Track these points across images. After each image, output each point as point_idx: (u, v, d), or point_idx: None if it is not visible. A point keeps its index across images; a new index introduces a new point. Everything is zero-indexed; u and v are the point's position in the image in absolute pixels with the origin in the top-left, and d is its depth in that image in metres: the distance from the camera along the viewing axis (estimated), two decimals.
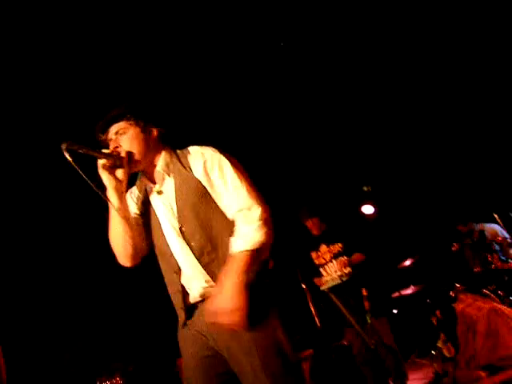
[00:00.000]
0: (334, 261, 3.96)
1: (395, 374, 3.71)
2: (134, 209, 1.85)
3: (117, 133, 1.76)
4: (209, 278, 1.65)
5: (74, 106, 4.43)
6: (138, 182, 1.88)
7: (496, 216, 4.87)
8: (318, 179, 6.42)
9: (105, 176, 1.69)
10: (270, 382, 1.52)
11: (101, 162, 1.68)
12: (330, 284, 3.67)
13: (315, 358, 4.26)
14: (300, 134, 6.06)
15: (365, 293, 3.76)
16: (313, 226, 4.26)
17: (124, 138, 1.75)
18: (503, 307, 4.10)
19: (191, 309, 1.71)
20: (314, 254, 4.19)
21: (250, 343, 1.56)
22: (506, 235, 5.06)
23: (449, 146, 6.53)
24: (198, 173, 1.71)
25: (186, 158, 1.76)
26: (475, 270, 4.93)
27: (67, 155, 1.55)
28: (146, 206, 1.83)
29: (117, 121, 1.78)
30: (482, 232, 5.39)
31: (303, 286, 4.21)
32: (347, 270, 3.73)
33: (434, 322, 4.76)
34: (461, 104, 6.10)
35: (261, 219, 1.60)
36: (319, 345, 4.32)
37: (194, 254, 1.66)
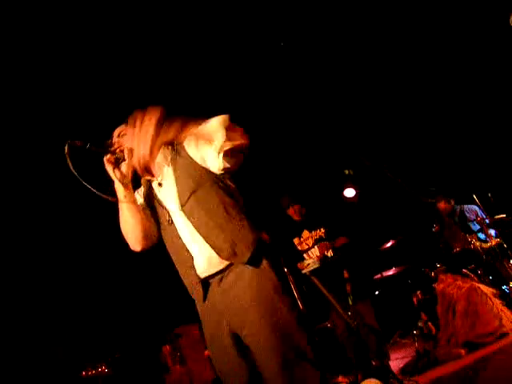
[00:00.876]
0: (316, 246, 3.96)
1: (377, 353, 3.76)
2: (140, 200, 2.05)
3: (119, 135, 2.00)
4: (211, 251, 1.80)
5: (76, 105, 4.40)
6: (142, 179, 2.06)
7: (475, 197, 4.92)
8: (299, 164, 6.41)
9: (110, 169, 1.90)
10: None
11: (106, 157, 1.90)
12: (312, 267, 3.66)
13: None
14: (281, 119, 6.02)
15: (346, 275, 3.78)
16: (294, 212, 4.25)
17: (125, 138, 1.97)
18: (482, 286, 4.18)
19: (206, 283, 1.85)
20: (296, 240, 4.19)
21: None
22: (484, 215, 5.14)
23: (429, 128, 6.56)
24: (194, 155, 1.88)
25: (181, 147, 1.93)
26: (455, 250, 5.01)
27: (67, 157, 1.74)
28: (150, 198, 2.02)
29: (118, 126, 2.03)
30: (462, 213, 5.47)
31: (285, 269, 4.20)
32: (329, 253, 3.73)
33: (415, 302, 4.83)
34: (443, 87, 6.12)
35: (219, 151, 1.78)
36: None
37: (195, 228, 1.82)
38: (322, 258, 3.57)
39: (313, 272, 3.69)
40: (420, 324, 4.59)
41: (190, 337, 5.40)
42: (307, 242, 4.08)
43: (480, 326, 3.95)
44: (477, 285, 4.16)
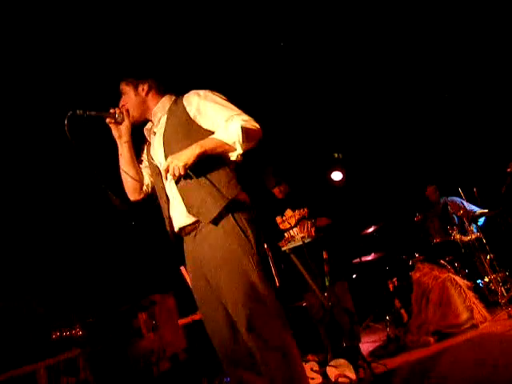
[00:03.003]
0: (298, 225, 3.95)
1: (349, 335, 3.80)
2: (145, 158, 2.23)
3: (121, 93, 2.16)
4: (183, 207, 1.93)
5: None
6: (144, 132, 2.22)
7: (460, 190, 4.94)
8: (288, 142, 6.35)
9: (113, 129, 2.12)
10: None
11: (107, 120, 2.11)
12: (292, 245, 3.66)
13: None
14: (276, 101, 5.94)
15: (326, 256, 3.79)
16: (279, 192, 4.22)
17: (124, 97, 2.15)
18: (458, 278, 4.23)
19: (178, 234, 2.03)
20: (278, 219, 4.17)
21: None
22: (470, 208, 5.18)
23: (421, 117, 6.55)
24: (188, 107, 1.99)
25: (183, 97, 2.05)
26: (435, 240, 5.05)
27: (66, 129, 1.89)
28: (149, 152, 2.17)
29: (121, 82, 2.18)
30: (445, 205, 5.51)
31: (265, 245, 4.20)
32: (311, 232, 3.72)
33: (391, 288, 4.89)
34: (435, 75, 6.09)
35: (244, 120, 1.90)
36: None
37: (174, 181, 1.94)
38: (303, 237, 3.57)
39: (293, 250, 3.70)
40: (393, 310, 4.65)
41: (165, 305, 5.42)
42: (289, 220, 4.06)
43: (451, 316, 4.01)
44: (452, 276, 4.21)
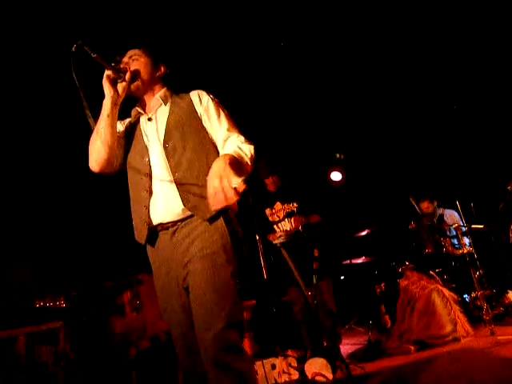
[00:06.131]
0: (287, 219, 3.94)
1: (330, 335, 3.80)
2: (120, 129, 2.03)
3: (131, 57, 2.00)
4: (175, 198, 1.79)
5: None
6: (132, 111, 2.06)
7: (458, 203, 4.93)
8: (291, 140, 6.33)
9: (107, 86, 1.89)
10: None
11: (107, 72, 1.88)
12: (283, 239, 3.65)
13: (256, 310, 4.31)
14: (281, 100, 5.92)
15: (316, 253, 3.77)
16: (271, 183, 4.20)
17: (135, 62, 1.98)
18: (445, 290, 4.23)
19: (154, 229, 1.85)
20: (268, 211, 4.16)
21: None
22: (462, 223, 5.17)
23: (426, 126, 6.53)
24: (197, 105, 1.93)
25: (186, 95, 2.00)
26: (427, 250, 5.04)
27: (72, 59, 1.76)
28: (133, 130, 2.01)
29: (135, 48, 2.04)
30: (441, 216, 5.50)
31: (257, 237, 4.20)
32: (299, 228, 3.72)
33: (378, 293, 4.89)
34: (442, 86, 6.08)
35: (246, 142, 1.85)
36: (263, 297, 4.37)
37: (170, 169, 1.82)
38: (295, 233, 3.55)
39: (283, 244, 3.69)
40: (377, 315, 4.65)
41: (151, 285, 5.39)
42: (278, 214, 4.06)
43: (434, 327, 4.01)
44: (440, 288, 4.21)
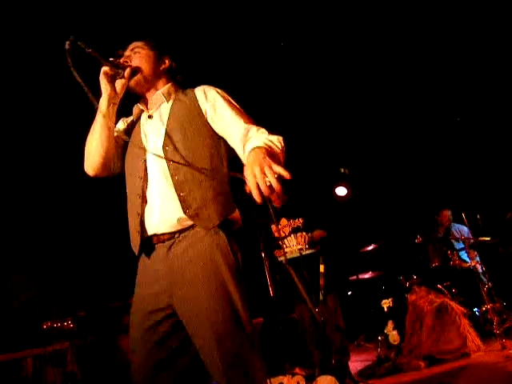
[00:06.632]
0: (292, 235, 3.94)
1: (339, 351, 3.77)
2: (120, 128, 1.89)
3: (132, 50, 1.84)
4: (173, 206, 1.61)
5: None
6: (134, 108, 1.92)
7: (463, 215, 4.90)
8: (295, 154, 6.35)
9: (103, 83, 1.73)
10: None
11: (104, 68, 1.72)
12: (289, 256, 3.65)
13: (264, 328, 4.28)
14: (289, 112, 5.97)
15: (322, 270, 3.76)
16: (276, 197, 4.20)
17: (137, 55, 1.82)
18: (454, 304, 4.19)
19: (148, 239, 1.65)
20: (273, 227, 4.16)
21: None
22: (468, 236, 5.13)
23: (431, 139, 6.54)
24: (202, 102, 1.76)
25: (191, 91, 1.83)
26: (434, 264, 5.01)
27: (68, 55, 1.58)
28: (133, 128, 1.85)
29: (137, 40, 1.88)
30: (448, 229, 5.47)
31: (262, 254, 4.19)
32: (305, 244, 3.71)
33: (386, 308, 4.84)
34: (447, 98, 6.10)
35: (271, 134, 1.63)
36: (270, 315, 4.34)
37: (169, 173, 1.64)
38: (301, 249, 3.55)
39: (289, 261, 3.68)
40: (386, 331, 4.60)
41: None
42: (284, 230, 4.05)
43: (444, 342, 3.97)
44: (449, 302, 4.17)
